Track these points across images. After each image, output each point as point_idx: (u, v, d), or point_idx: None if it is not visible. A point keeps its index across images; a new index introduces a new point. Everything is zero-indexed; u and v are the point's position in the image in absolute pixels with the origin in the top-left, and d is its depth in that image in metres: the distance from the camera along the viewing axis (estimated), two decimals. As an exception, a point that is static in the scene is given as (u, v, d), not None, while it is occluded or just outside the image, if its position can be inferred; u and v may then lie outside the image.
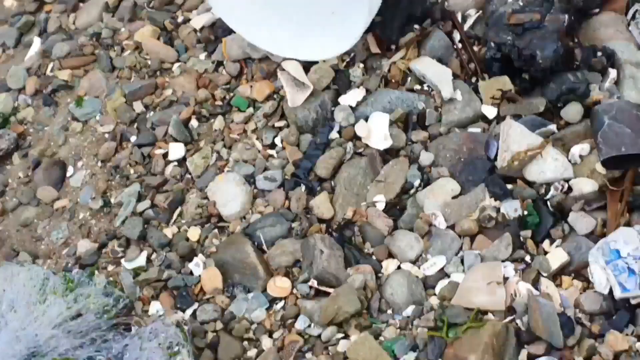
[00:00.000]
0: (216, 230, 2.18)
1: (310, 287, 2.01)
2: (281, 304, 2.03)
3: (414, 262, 2.01)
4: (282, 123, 2.29)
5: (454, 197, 2.05)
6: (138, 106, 2.43)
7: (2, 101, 2.57)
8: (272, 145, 2.28)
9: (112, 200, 2.31)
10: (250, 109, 2.33)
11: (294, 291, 2.03)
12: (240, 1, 2.30)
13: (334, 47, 2.24)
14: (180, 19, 2.56)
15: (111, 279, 2.15)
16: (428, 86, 2.24)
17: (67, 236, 2.30)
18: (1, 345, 1.91)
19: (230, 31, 2.38)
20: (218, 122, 2.34)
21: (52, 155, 2.46)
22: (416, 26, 2.30)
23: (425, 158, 2.13)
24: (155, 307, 2.09)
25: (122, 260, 2.19)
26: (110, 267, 2.19)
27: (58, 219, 2.35)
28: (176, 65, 2.48)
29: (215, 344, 2.00)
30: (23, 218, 2.38)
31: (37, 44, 2.68)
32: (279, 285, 2.04)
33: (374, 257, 2.04)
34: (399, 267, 2.01)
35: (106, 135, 2.42)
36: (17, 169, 2.48)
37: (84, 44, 2.60)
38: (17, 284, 2.03)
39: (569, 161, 2.02)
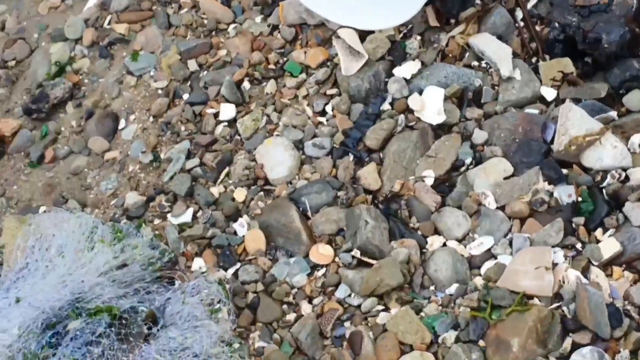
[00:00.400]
0: (262, 193, 2.08)
1: (353, 256, 1.91)
2: (322, 271, 1.93)
3: (460, 241, 1.88)
4: (334, 91, 2.18)
5: (506, 178, 1.91)
6: (192, 64, 2.33)
7: (59, 50, 2.50)
8: (323, 113, 2.16)
9: (162, 156, 2.22)
10: (303, 75, 2.22)
11: (336, 259, 1.94)
12: (299, -34, 2.17)
13: (393, 17, 2.14)
14: (238, -20, 2.44)
15: (157, 232, 2.06)
16: (486, 63, 2.09)
17: (116, 187, 2.22)
18: (48, 289, 1.84)
19: (287, -5, 2.26)
20: (270, 86, 2.23)
21: (105, 107, 2.37)
22: (478, 1, 2.17)
23: (479, 136, 1.99)
24: (198, 263, 2.01)
25: (169, 215, 2.11)
26: (156, 221, 2.11)
27: (108, 170, 2.26)
28: (232, 26, 2.38)
29: (255, 305, 1.92)
30: (74, 166, 2.31)
31: (96, -4, 2.57)
32: (322, 253, 1.94)
33: (419, 232, 1.92)
34: (444, 245, 1.89)
35: (159, 91, 2.33)
36: (70, 118, 2.40)
37: (142, -1, 2.49)
38: (67, 230, 1.96)
39: (628, 150, 1.87)
